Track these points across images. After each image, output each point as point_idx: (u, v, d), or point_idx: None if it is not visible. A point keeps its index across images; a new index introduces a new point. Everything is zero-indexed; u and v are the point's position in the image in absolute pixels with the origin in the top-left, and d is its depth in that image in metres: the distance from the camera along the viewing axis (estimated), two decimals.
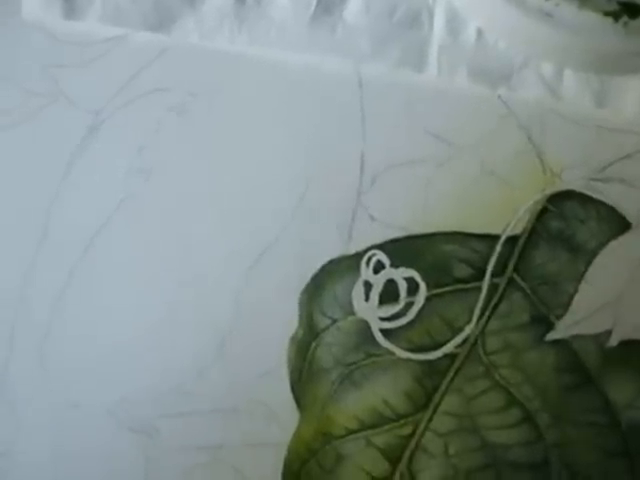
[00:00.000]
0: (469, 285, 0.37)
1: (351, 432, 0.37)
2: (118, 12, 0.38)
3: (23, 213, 0.38)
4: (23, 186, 0.38)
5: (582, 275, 0.37)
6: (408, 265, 0.37)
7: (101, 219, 0.38)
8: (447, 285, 0.37)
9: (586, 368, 0.37)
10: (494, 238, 0.37)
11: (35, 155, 0.38)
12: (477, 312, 0.37)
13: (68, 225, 0.38)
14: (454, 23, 0.37)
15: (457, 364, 0.37)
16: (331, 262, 0.37)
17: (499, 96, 0.37)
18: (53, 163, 0.38)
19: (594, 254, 0.37)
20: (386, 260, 0.37)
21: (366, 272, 0.37)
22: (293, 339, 0.37)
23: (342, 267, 0.37)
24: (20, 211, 0.38)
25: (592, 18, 0.34)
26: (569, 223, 0.37)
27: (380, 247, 0.37)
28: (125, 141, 0.38)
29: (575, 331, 0.37)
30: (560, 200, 0.37)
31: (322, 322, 0.37)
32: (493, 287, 0.37)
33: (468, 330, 0.37)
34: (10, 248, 0.38)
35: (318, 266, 0.37)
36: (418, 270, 0.37)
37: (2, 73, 0.38)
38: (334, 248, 0.37)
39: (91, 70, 0.38)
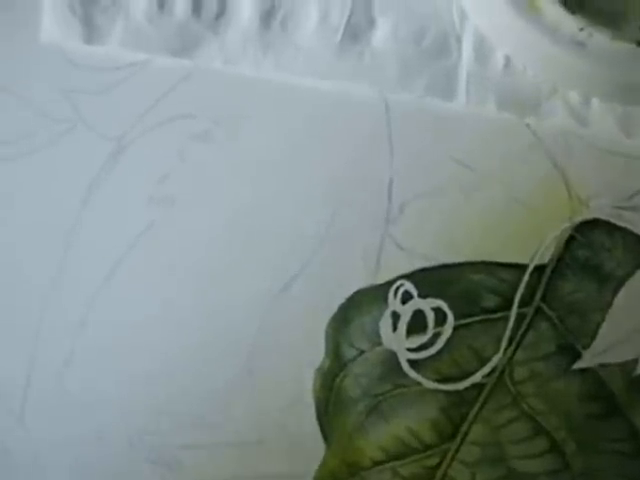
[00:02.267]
0: (497, 315, 0.37)
1: (378, 463, 0.37)
2: (139, 37, 0.37)
3: (42, 241, 0.37)
4: (42, 214, 0.37)
5: (609, 304, 0.37)
6: (436, 295, 0.37)
7: (123, 248, 0.37)
8: (475, 315, 0.37)
9: (613, 397, 0.37)
10: (521, 267, 0.37)
11: (54, 182, 0.37)
12: (505, 342, 0.37)
13: (88, 254, 0.37)
14: (482, 50, 0.37)
15: (485, 394, 0.37)
16: (358, 292, 0.37)
17: (527, 124, 0.37)
18: (73, 190, 0.37)
19: (621, 283, 0.37)
20: (414, 290, 0.37)
21: (394, 302, 0.37)
22: (320, 370, 0.37)
23: (369, 297, 0.37)
24: (39, 239, 0.37)
25: (625, 48, 0.34)
26: (596, 252, 0.37)
27: (408, 277, 0.37)
28: (147, 169, 0.37)
29: (602, 360, 0.37)
30: (587, 228, 0.37)
31: (349, 353, 0.37)
32: (520, 317, 0.37)
33: (496, 360, 0.37)
34: (29, 275, 0.37)
35: (345, 296, 0.37)
36: (446, 300, 0.37)
37: (21, 98, 0.37)
38: (361, 278, 0.37)
39: (112, 96, 0.37)
